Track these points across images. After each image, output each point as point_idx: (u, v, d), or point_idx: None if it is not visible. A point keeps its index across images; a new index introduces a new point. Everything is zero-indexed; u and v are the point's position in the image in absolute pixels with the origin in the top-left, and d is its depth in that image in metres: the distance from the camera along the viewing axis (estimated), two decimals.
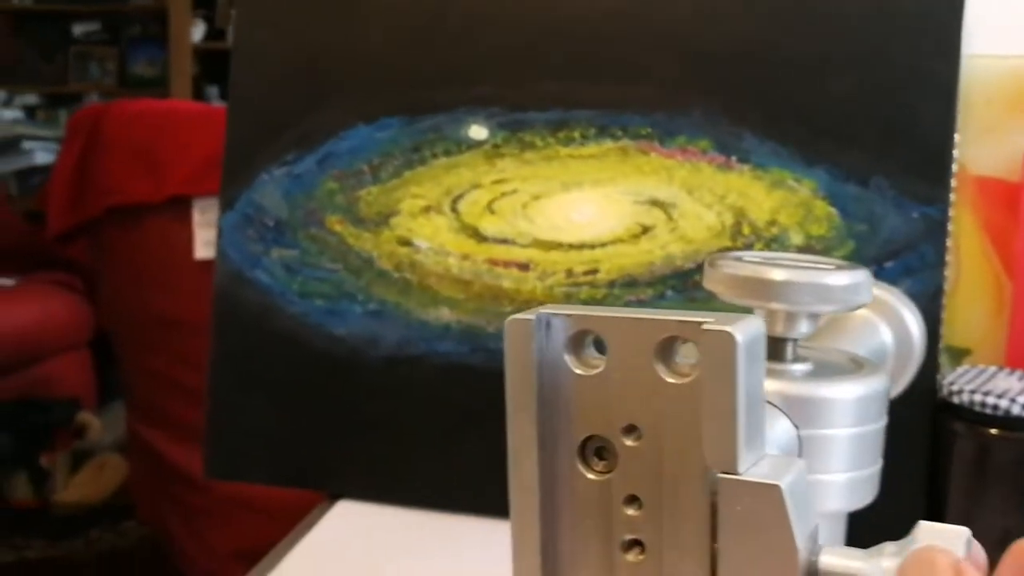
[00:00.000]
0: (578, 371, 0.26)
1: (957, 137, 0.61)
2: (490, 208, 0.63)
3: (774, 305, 0.36)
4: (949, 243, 0.60)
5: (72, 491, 2.28)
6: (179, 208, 1.47)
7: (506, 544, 0.61)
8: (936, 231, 0.59)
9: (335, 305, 0.65)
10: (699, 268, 0.59)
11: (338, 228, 0.65)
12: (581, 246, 0.62)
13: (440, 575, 0.58)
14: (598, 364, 0.26)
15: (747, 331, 0.25)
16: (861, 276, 0.36)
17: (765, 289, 0.35)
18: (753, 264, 0.36)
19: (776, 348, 0.37)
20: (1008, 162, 0.63)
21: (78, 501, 2.28)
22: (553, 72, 0.62)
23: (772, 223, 0.60)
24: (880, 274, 0.60)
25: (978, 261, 0.64)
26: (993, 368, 0.60)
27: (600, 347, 0.27)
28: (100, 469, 2.31)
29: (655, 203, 0.61)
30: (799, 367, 0.37)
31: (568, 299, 0.62)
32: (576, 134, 0.62)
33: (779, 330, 0.37)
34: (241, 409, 0.67)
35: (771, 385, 0.35)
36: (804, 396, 0.35)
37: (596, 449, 0.27)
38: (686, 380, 0.26)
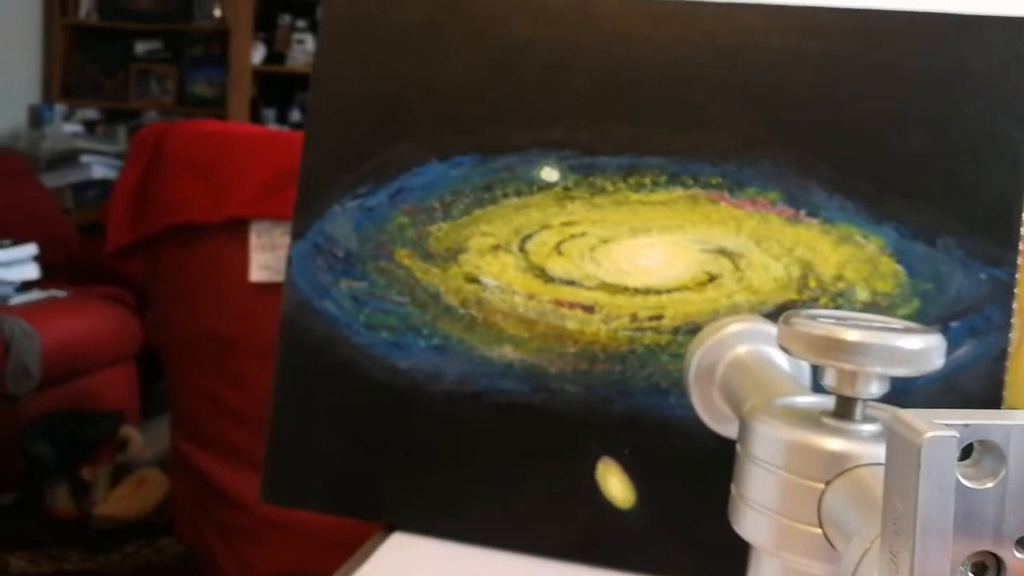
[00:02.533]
0: (971, 485, 0.24)
1: None
2: (558, 249, 0.64)
3: (846, 366, 0.36)
4: (1014, 306, 0.60)
5: (112, 504, 2.31)
6: (237, 230, 1.49)
7: None
8: (1003, 293, 0.59)
9: (400, 338, 0.66)
10: (765, 319, 0.60)
11: (407, 262, 0.66)
12: (647, 291, 0.63)
13: None
14: (991, 476, 0.24)
15: None
16: (934, 340, 0.36)
17: (839, 349, 0.36)
18: (827, 324, 0.37)
19: (846, 407, 0.37)
20: None
21: (117, 515, 2.30)
22: (627, 117, 0.63)
23: (839, 278, 0.61)
24: (946, 333, 0.60)
25: None
26: None
27: (991, 458, 0.25)
28: (141, 484, 2.34)
29: (722, 252, 0.62)
30: (868, 427, 0.37)
31: (632, 343, 0.63)
32: (647, 180, 0.63)
33: (849, 390, 0.37)
34: (301, 436, 0.68)
35: (839, 444, 0.35)
36: (871, 456, 0.35)
37: (976, 566, 0.25)
38: None
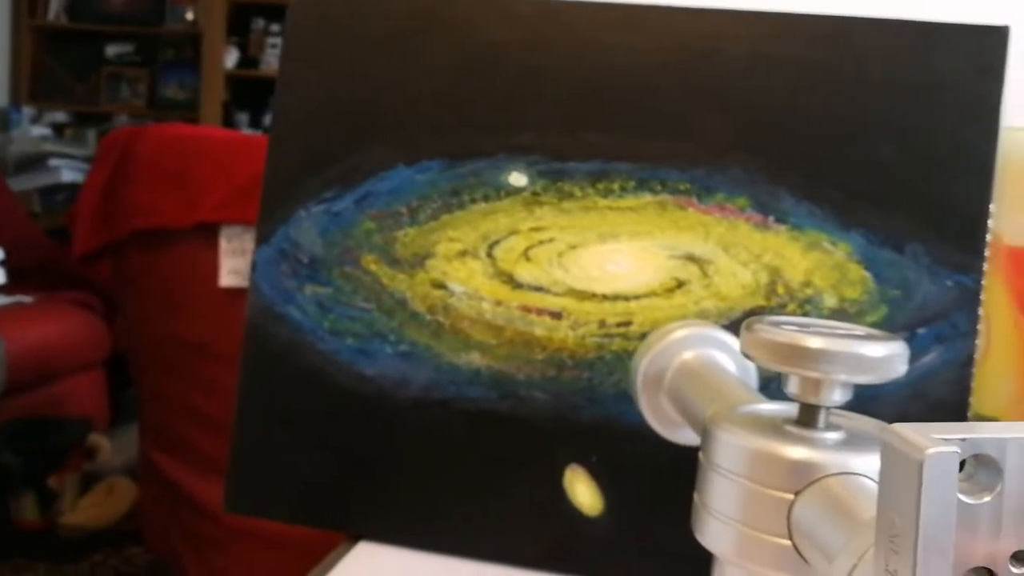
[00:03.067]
0: (968, 500, 0.24)
1: (992, 207, 0.62)
2: (526, 255, 0.63)
3: (810, 373, 0.36)
4: (980, 312, 0.60)
5: (79, 513, 2.28)
6: (206, 234, 1.48)
7: None
8: (969, 300, 0.59)
9: (366, 344, 0.65)
10: (732, 325, 0.59)
11: (373, 268, 0.65)
12: (615, 297, 0.62)
13: None
14: (988, 490, 0.24)
15: None
16: (898, 348, 0.36)
17: (802, 356, 0.36)
18: (790, 331, 0.36)
19: (809, 415, 0.37)
20: None
21: (85, 524, 2.27)
22: (596, 123, 0.63)
23: (807, 284, 0.60)
24: (912, 341, 0.60)
25: (1008, 331, 0.64)
26: None
27: (986, 472, 0.24)
28: (109, 492, 2.31)
29: (691, 258, 0.61)
30: (831, 435, 0.37)
31: (600, 350, 0.62)
32: (615, 186, 0.62)
33: (812, 398, 0.37)
34: (266, 444, 0.67)
35: (803, 453, 0.35)
36: (837, 464, 0.35)
37: None
38: None
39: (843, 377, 0.36)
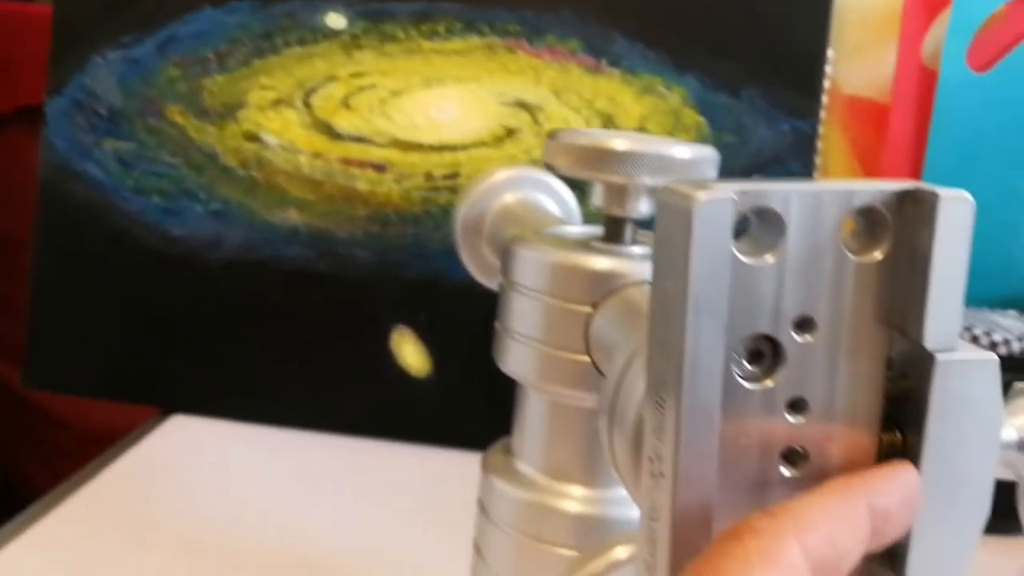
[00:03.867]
0: (748, 260, 0.22)
1: (830, 54, 0.60)
2: (346, 103, 0.59)
3: (615, 178, 0.33)
4: (818, 160, 0.59)
5: None
6: (31, 120, 1.37)
7: (347, 459, 0.58)
8: (805, 146, 0.58)
9: (174, 203, 0.60)
10: None
11: (179, 119, 0.60)
12: (442, 148, 0.58)
13: (274, 492, 0.54)
14: (770, 249, 0.22)
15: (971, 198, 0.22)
16: (706, 151, 0.33)
17: (606, 160, 0.33)
18: (594, 135, 0.33)
19: (615, 229, 0.34)
20: (878, 82, 0.62)
21: None
22: None
23: (640, 130, 0.58)
24: None
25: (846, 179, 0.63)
26: None
27: (769, 229, 0.22)
28: None
29: (521, 105, 0.58)
30: (637, 249, 0.34)
31: (426, 204, 0.59)
32: (440, 28, 0.58)
33: (618, 208, 0.34)
34: (66, 314, 0.62)
35: (606, 263, 0.32)
36: (638, 273, 0.32)
37: (753, 352, 0.22)
38: (875, 258, 0.22)
39: (649, 180, 0.33)
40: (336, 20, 0.59)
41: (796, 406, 0.23)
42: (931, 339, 0.22)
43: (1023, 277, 0.60)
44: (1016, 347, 0.52)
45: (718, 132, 0.57)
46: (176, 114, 0.60)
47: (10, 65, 1.39)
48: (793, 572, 0.20)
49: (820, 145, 0.59)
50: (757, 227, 0.22)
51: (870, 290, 0.22)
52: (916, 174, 0.60)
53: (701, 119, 0.57)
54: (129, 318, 0.61)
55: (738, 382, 0.22)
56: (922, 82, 0.60)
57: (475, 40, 0.58)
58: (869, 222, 0.23)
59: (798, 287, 0.22)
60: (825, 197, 0.22)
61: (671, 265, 0.22)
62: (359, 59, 0.59)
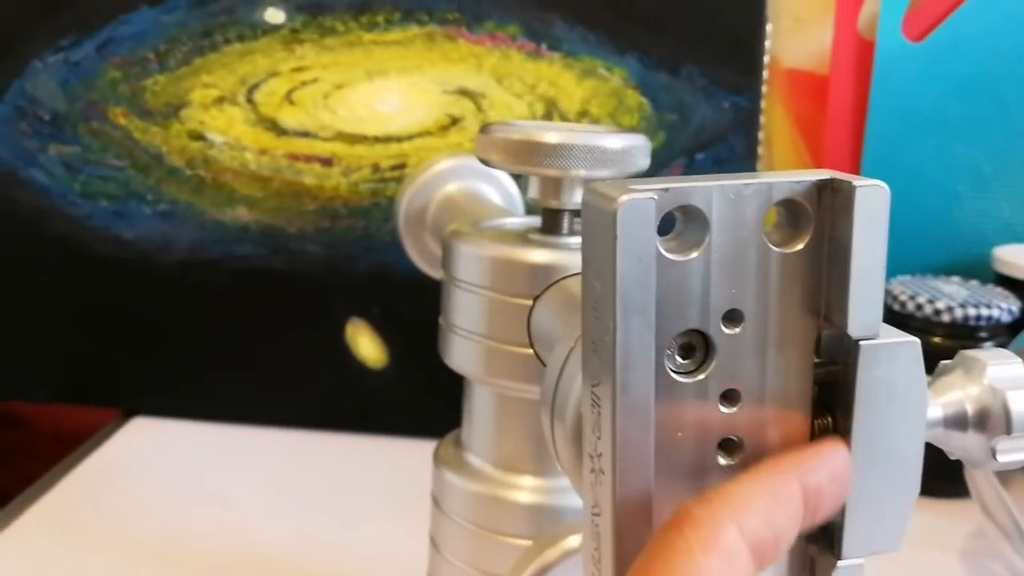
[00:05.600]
0: (674, 257, 0.22)
1: (769, 28, 0.60)
2: (289, 98, 0.59)
3: (549, 171, 0.33)
4: (761, 135, 0.59)
5: None
6: None
7: (309, 454, 0.58)
8: (747, 121, 0.58)
9: (122, 206, 0.60)
10: None
11: (123, 121, 0.59)
12: (387, 139, 0.59)
13: (237, 489, 0.54)
14: (695, 246, 0.22)
15: (886, 186, 0.22)
16: (638, 140, 0.34)
17: (539, 153, 0.33)
18: (526, 128, 0.34)
19: (552, 220, 0.35)
20: (817, 55, 0.62)
21: None
22: None
23: (583, 114, 0.58)
24: (692, 165, 0.58)
25: (789, 154, 0.64)
26: None
27: (693, 226, 0.22)
28: None
29: (464, 92, 0.58)
30: (575, 240, 0.35)
31: (375, 196, 0.59)
32: (380, 19, 0.58)
33: (553, 200, 0.34)
34: (20, 321, 0.61)
35: (544, 256, 0.33)
36: (577, 265, 0.33)
37: (685, 346, 0.23)
38: (798, 249, 0.23)
39: (583, 172, 0.33)
40: (275, 15, 0.58)
41: (729, 397, 0.23)
42: (854, 326, 0.23)
43: (965, 244, 0.61)
44: (959, 314, 0.53)
45: (660, 112, 0.58)
46: (119, 116, 0.59)
47: None
48: (733, 556, 0.20)
49: (763, 120, 0.59)
50: (681, 224, 0.23)
51: (795, 281, 0.23)
52: (858, 145, 0.61)
53: (643, 99, 0.58)
54: (82, 323, 0.61)
55: (671, 377, 0.23)
56: (860, 53, 0.61)
57: (415, 30, 0.58)
58: (790, 214, 0.23)
59: (724, 281, 0.22)
60: (745, 192, 0.22)
61: (598, 266, 0.22)
62: (300, 54, 0.58)
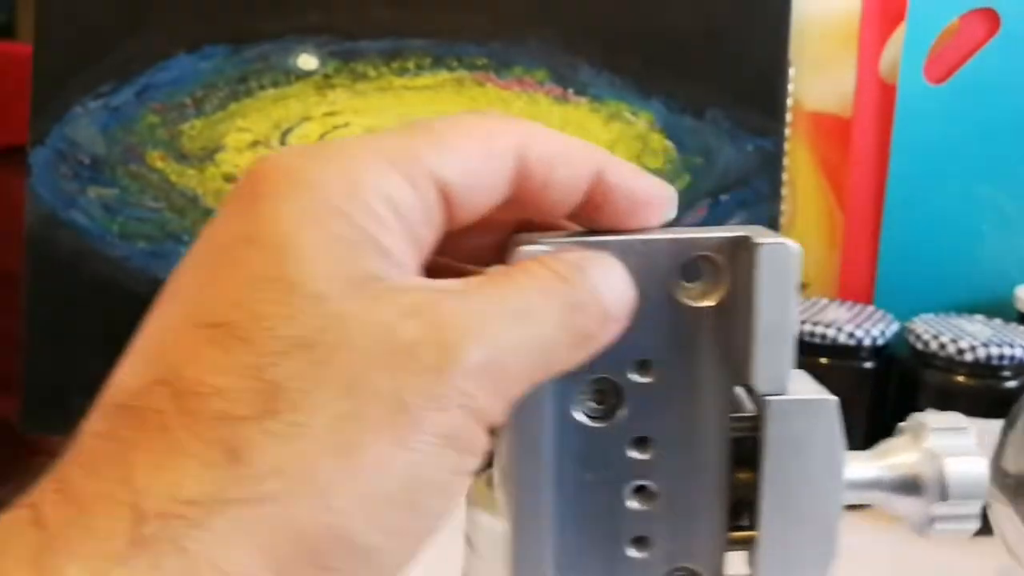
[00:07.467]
0: None
1: (792, 71, 0.61)
2: (322, 142, 0.60)
3: None
4: (785, 177, 0.60)
5: None
6: (15, 158, 1.38)
7: None
8: (771, 164, 0.59)
9: (159, 247, 0.61)
10: None
11: (160, 164, 0.61)
12: None
13: None
14: None
15: (794, 244, 0.23)
16: None
17: None
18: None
19: None
20: (840, 98, 0.63)
21: None
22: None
23: None
24: (715, 207, 0.59)
25: (813, 196, 0.65)
26: (825, 300, 0.60)
27: None
28: None
29: None
30: None
31: None
32: (410, 64, 0.60)
33: None
34: (61, 360, 0.63)
35: None
36: None
37: (595, 393, 0.24)
38: (709, 303, 0.24)
39: None
40: (308, 61, 0.60)
41: (642, 443, 0.24)
42: (761, 382, 0.23)
43: (988, 283, 0.62)
44: (982, 353, 0.54)
45: (685, 155, 0.59)
46: (157, 159, 0.61)
47: None
48: None
49: (786, 162, 0.60)
50: None
51: (706, 335, 0.24)
52: (881, 186, 0.62)
53: (668, 143, 0.59)
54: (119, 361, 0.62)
55: (581, 421, 0.24)
56: (882, 96, 0.62)
57: (445, 75, 0.60)
58: (706, 269, 0.24)
59: (636, 332, 0.23)
60: (656, 247, 0.23)
61: None
62: (332, 99, 0.60)
